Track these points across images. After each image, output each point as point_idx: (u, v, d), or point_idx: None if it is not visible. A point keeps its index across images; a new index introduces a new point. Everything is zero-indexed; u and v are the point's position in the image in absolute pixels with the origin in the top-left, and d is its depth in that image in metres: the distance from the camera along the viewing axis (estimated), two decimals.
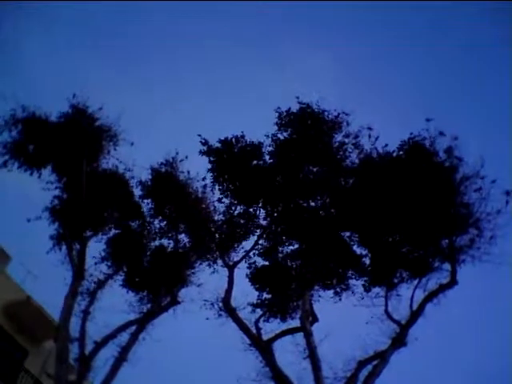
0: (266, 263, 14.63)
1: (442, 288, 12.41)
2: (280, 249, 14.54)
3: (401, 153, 13.18)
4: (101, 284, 14.27)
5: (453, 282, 12.32)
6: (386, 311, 13.02)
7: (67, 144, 13.99)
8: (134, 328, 13.49)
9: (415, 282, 13.06)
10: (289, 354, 12.45)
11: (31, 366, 18.27)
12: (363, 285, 13.82)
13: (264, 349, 12.43)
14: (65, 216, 14.18)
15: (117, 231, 15.05)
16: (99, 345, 12.96)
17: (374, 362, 11.90)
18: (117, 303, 14.20)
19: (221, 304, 13.26)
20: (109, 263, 14.83)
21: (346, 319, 13.48)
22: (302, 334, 12.63)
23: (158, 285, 14.51)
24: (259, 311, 14.14)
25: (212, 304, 13.48)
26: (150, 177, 14.75)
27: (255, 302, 14.33)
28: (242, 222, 14.53)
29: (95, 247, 14.75)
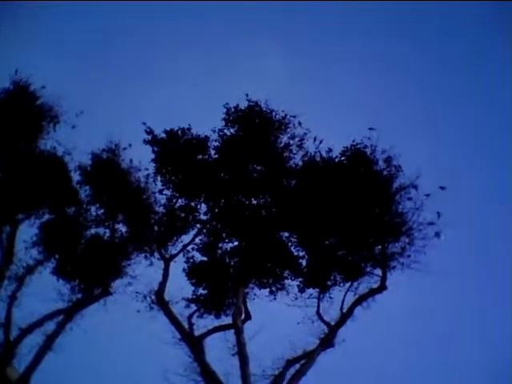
0: (205, 259, 14.57)
1: (372, 292, 12.82)
2: (219, 245, 14.53)
3: (343, 158, 13.50)
4: (30, 269, 13.72)
5: (382, 287, 12.75)
6: (318, 312, 13.32)
7: (4, 120, 13.34)
8: (61, 317, 13.06)
9: (347, 285, 13.42)
10: (219, 350, 12.47)
11: None
12: (298, 285, 14.04)
13: (194, 344, 12.38)
14: None
15: (51, 216, 14.47)
16: (24, 331, 12.60)
17: (302, 361, 12.13)
18: (46, 290, 13.70)
19: (153, 297, 13.08)
20: (40, 249, 14.25)
21: (280, 318, 13.64)
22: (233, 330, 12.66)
23: (91, 275, 14.09)
24: (194, 306, 14.07)
25: (144, 296, 13.30)
26: (90, 162, 14.30)
27: (190, 297, 14.25)
28: (182, 215, 14.40)
29: (27, 231, 14.18)
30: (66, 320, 12.98)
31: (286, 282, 14.22)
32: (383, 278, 12.76)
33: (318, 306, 13.40)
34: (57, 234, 14.22)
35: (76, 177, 14.41)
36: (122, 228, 14.68)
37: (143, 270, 14.32)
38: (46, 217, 14.44)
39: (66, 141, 14.14)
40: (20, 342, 12.63)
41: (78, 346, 12.95)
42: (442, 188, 12.48)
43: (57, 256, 14.38)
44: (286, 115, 13.75)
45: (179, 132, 14.08)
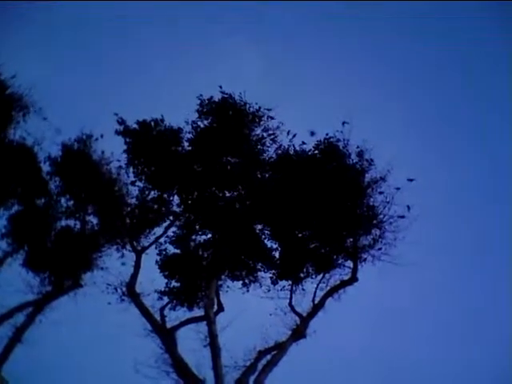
0: (178, 251, 14.51)
1: (343, 284, 13.01)
2: (193, 237, 14.48)
3: (316, 152, 13.59)
4: None
5: (353, 279, 12.94)
6: (290, 304, 13.44)
7: None
8: (31, 309, 12.85)
9: (320, 277, 13.57)
10: (192, 342, 12.47)
11: None
12: (271, 277, 14.14)
13: (166, 336, 12.35)
14: None
15: (20, 208, 14.18)
16: None
17: (274, 352, 12.23)
18: (15, 282, 13.44)
19: (124, 289, 12.99)
20: (9, 240, 13.97)
21: (252, 310, 13.72)
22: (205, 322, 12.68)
23: (61, 267, 13.89)
24: (166, 299, 14.02)
25: (115, 288, 13.18)
26: (60, 153, 14.05)
27: (163, 289, 14.19)
28: (155, 207, 14.30)
29: None
30: (35, 312, 12.79)
31: (259, 274, 14.32)
32: (354, 270, 12.95)
33: (291, 298, 13.54)
34: (26, 226, 13.96)
35: (46, 168, 14.17)
36: (93, 220, 14.54)
37: (114, 263, 14.21)
38: (15, 208, 14.16)
39: (36, 131, 13.87)
40: None
41: (47, 338, 12.74)
42: (411, 180, 12.71)
43: (26, 248, 14.12)
44: (259, 108, 13.75)
45: (152, 123, 13.94)
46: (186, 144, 14.14)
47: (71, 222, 14.36)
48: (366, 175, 13.37)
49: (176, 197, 14.25)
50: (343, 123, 13.39)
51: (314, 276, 13.72)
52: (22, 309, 12.96)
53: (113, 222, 14.29)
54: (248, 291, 14.46)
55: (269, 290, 14.00)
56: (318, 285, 13.33)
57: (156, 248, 14.40)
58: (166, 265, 14.36)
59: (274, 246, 14.23)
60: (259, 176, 14.02)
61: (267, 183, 13.77)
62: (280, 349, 12.14)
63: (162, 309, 13.44)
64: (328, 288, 13.06)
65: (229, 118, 13.64)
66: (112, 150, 14.24)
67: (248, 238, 13.96)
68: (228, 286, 14.45)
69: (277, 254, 14.23)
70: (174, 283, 14.42)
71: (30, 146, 13.97)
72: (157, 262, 14.41)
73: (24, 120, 13.84)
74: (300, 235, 13.92)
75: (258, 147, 13.92)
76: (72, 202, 14.29)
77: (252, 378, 11.56)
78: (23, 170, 13.82)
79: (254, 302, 14.29)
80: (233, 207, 13.97)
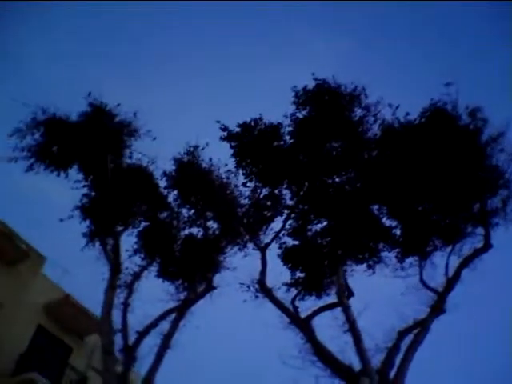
0: (296, 243, 14.71)
1: (477, 253, 12.35)
2: (309, 227, 14.60)
3: (423, 120, 13.03)
4: (137, 276, 14.54)
5: (487, 246, 12.25)
6: (422, 280, 13.05)
7: (90, 142, 14.14)
8: (173, 316, 13.76)
9: (449, 249, 13.02)
10: (328, 329, 12.59)
11: (76, 362, 18.83)
12: (396, 256, 13.82)
13: (303, 326, 12.58)
14: (95, 213, 14.42)
15: (146, 223, 15.26)
16: (142, 334, 13.24)
17: (415, 331, 11.97)
18: (154, 293, 14.50)
19: (257, 286, 13.43)
20: (142, 255, 15.08)
21: (381, 292, 13.53)
22: (339, 308, 12.73)
23: (192, 272, 14.74)
24: (294, 290, 14.29)
25: (248, 287, 13.66)
26: (173, 167, 14.89)
27: (289, 281, 14.48)
28: (268, 203, 14.60)
29: (127, 241, 15.04)
30: (178, 318, 13.63)
31: (383, 254, 14.07)
32: (486, 236, 12.25)
33: (421, 274, 13.14)
34: (154, 239, 14.98)
35: (163, 183, 15.10)
36: (213, 225, 15.23)
37: (240, 262, 14.78)
38: (142, 225, 15.26)
39: (149, 151, 14.81)
40: (139, 345, 13.22)
41: (192, 341, 13.55)
42: None
43: (158, 259, 15.16)
44: (356, 87, 13.46)
45: (252, 123, 14.20)
46: (287, 138, 14.26)
47: (194, 230, 15.24)
48: (483, 135, 12.57)
49: (287, 190, 14.44)
50: (447, 84, 12.72)
51: (442, 248, 13.20)
52: (165, 316, 13.89)
53: (231, 224, 14.85)
54: (374, 273, 14.30)
55: (396, 269, 13.72)
56: (448, 257, 12.82)
57: (275, 242, 14.75)
58: (288, 257, 14.63)
59: (394, 224, 13.93)
60: (366, 156, 13.74)
61: (376, 161, 13.45)
62: (421, 327, 11.84)
63: (293, 300, 13.73)
64: (461, 259, 12.48)
65: (327, 104, 13.51)
66: (219, 155, 14.85)
67: (365, 219, 13.75)
68: (353, 270, 14.40)
69: (398, 232, 13.91)
70: (298, 274, 14.69)
71: (145, 165, 14.99)
72: (279, 255, 14.78)
73: (136, 143, 14.88)
74: (420, 208, 13.45)
75: (360, 127, 13.64)
76: (192, 211, 15.10)
77: (397, 359, 11.40)
78: (143, 189, 14.85)
79: (382, 283, 14.10)
80: (344, 192, 13.85)
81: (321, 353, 11.78)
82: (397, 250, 13.83)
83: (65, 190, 14.48)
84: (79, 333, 19.27)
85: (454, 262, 12.61)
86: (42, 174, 14.29)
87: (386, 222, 13.87)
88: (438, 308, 11.93)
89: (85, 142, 14.14)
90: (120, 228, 14.74)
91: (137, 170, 14.86)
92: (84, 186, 14.64)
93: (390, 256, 13.93)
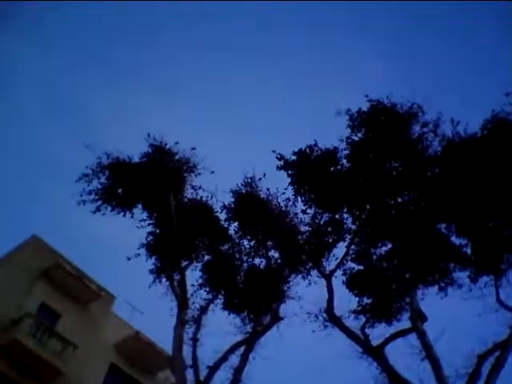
0: (361, 267, 14.38)
1: None
2: (373, 251, 14.26)
3: (485, 132, 12.58)
4: (203, 310, 14.65)
5: None
6: (499, 300, 12.37)
7: (152, 181, 14.66)
8: (242, 349, 13.68)
9: None
10: (402, 357, 12.09)
11: None
12: (469, 276, 13.20)
13: (376, 355, 12.14)
14: (160, 249, 14.78)
15: (209, 257, 15.45)
16: (212, 369, 13.22)
17: (496, 354, 11.27)
18: (222, 326, 14.50)
19: (325, 315, 13.16)
20: (207, 289, 15.22)
21: (455, 314, 12.89)
22: (412, 335, 12.22)
23: (257, 303, 14.67)
24: (363, 318, 13.89)
25: (316, 316, 13.42)
26: (232, 200, 15.07)
27: (356, 308, 14.11)
28: (329, 229, 14.42)
29: (192, 275, 15.25)
30: (247, 350, 13.52)
31: (455, 275, 13.48)
32: None
33: (498, 293, 12.45)
34: (218, 272, 15.11)
35: (223, 216, 15.30)
36: (274, 254, 15.19)
37: (304, 291, 14.57)
38: (206, 258, 15.46)
39: (208, 185, 15.14)
40: (210, 380, 13.18)
41: (263, 374, 13.37)
42: None
43: (223, 292, 15.24)
44: (412, 105, 13.25)
45: (307, 150, 14.22)
46: (344, 161, 14.14)
47: (256, 260, 15.24)
48: None
49: (348, 215, 14.23)
50: (507, 94, 12.28)
51: None
52: (234, 350, 13.83)
53: (293, 252, 14.74)
54: (446, 295, 13.70)
55: (471, 290, 13.07)
56: None
57: (340, 269, 14.47)
58: (354, 283, 14.30)
59: (464, 243, 13.35)
60: (429, 173, 13.37)
61: (439, 178, 13.04)
62: (502, 349, 11.13)
63: (362, 328, 13.31)
64: None
65: (382, 124, 13.35)
66: (276, 185, 14.92)
67: (433, 239, 13.27)
68: (423, 293, 13.84)
69: (469, 250, 13.31)
70: (365, 300, 14.29)
71: (205, 199, 15.31)
72: (343, 281, 14.46)
73: (196, 178, 15.26)
74: (490, 224, 12.84)
75: (420, 144, 13.34)
76: (253, 242, 15.15)
77: None
78: (205, 223, 15.12)
79: (456, 305, 13.46)
80: (408, 212, 13.47)
81: (398, 382, 11.27)
82: (469, 269, 13.21)
83: (130, 230, 14.99)
84: (150, 369, 19.52)
85: None
86: (109, 215, 14.88)
87: (455, 240, 13.33)
88: None
89: (147, 182, 14.68)
90: (185, 263, 15.00)
91: (198, 204, 15.19)
92: (149, 225, 15.09)
93: (462, 276, 13.33)
